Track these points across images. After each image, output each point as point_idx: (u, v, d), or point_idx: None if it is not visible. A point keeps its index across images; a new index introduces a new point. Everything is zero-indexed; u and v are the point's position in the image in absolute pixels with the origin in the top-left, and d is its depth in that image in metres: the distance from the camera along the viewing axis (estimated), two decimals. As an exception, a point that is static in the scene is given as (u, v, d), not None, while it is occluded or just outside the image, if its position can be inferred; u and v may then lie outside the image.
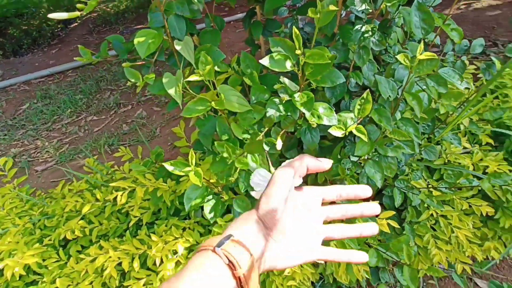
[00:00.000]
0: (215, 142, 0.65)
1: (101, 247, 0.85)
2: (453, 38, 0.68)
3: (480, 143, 1.13)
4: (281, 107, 0.73)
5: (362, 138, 0.70)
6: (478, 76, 1.64)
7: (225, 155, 0.62)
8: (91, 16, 5.32)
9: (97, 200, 0.96)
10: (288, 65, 0.55)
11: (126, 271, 0.81)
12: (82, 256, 0.84)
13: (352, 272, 0.86)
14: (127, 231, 0.90)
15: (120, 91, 3.61)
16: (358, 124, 0.64)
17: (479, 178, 0.98)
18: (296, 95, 0.60)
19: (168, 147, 2.68)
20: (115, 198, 0.87)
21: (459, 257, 0.99)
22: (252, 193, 0.65)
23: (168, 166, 0.58)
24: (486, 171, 0.96)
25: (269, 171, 0.59)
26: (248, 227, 0.37)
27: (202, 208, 1.02)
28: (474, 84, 1.22)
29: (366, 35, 0.67)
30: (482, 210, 0.99)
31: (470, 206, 1.02)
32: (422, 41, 0.59)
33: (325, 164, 0.41)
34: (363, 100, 0.60)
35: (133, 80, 0.64)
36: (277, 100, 0.74)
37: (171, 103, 1.17)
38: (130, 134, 2.97)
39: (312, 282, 1.02)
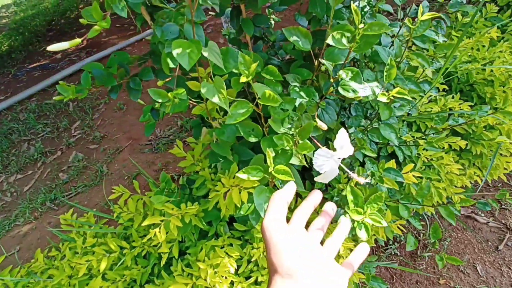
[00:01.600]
0: (274, 137, 0.62)
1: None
2: None
3: (437, 90, 1.31)
4: (302, 93, 0.74)
5: (382, 104, 0.75)
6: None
7: (286, 145, 0.60)
8: (-31, 64, 4.50)
9: (108, 252, 0.83)
10: (345, 41, 0.56)
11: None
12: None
13: (390, 230, 0.92)
14: (161, 271, 0.80)
15: (41, 138, 3.15)
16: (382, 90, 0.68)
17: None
18: (341, 72, 0.61)
19: (126, 181, 2.44)
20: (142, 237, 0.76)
21: (454, 190, 1.14)
22: (318, 178, 0.64)
23: (242, 175, 0.54)
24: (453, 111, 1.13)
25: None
26: None
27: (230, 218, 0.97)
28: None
29: (365, 9, 0.72)
30: (459, 145, 1.15)
31: (449, 146, 1.18)
32: (421, 6, 0.66)
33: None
34: (388, 67, 0.64)
35: (160, 100, 0.57)
36: (297, 88, 0.75)
37: (147, 128, 1.08)
38: (72, 181, 2.62)
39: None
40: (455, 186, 1.18)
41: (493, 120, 1.16)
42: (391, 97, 0.62)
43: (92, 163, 2.72)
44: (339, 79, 0.66)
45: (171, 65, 0.55)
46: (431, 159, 1.14)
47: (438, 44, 0.78)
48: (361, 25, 0.52)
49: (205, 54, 0.55)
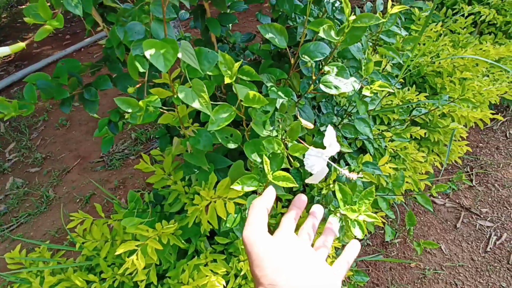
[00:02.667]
0: (264, 141, 0.58)
1: None
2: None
3: (400, 83, 1.38)
4: (280, 93, 0.71)
5: (358, 99, 0.75)
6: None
7: (277, 149, 0.56)
8: None
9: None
10: (333, 34, 0.54)
11: None
12: None
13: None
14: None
15: (-35, 166, 2.76)
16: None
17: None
18: (326, 67, 0.59)
19: (78, 205, 2.21)
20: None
21: (419, 177, 1.20)
22: (309, 180, 0.61)
23: (237, 187, 0.49)
24: (411, 103, 1.19)
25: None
26: None
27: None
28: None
29: (336, 4, 0.71)
30: (419, 134, 1.22)
31: (410, 135, 1.24)
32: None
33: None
34: (365, 61, 0.64)
35: (130, 110, 0.50)
36: (274, 88, 0.71)
37: (104, 144, 0.98)
38: (12, 212, 2.32)
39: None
40: (420, 173, 1.25)
41: (446, 108, 1.25)
42: (375, 91, 0.61)
43: (34, 188, 2.42)
44: (320, 76, 0.63)
45: (141, 69, 0.47)
46: (397, 150, 1.19)
47: (405, 37, 0.81)
48: (351, 17, 0.50)
49: (179, 55, 0.49)
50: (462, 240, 1.60)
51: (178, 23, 2.91)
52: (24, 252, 0.94)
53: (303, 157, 0.57)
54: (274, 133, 0.64)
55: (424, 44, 1.46)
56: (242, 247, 0.78)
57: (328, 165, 0.56)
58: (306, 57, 0.64)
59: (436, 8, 1.74)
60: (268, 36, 0.63)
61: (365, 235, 1.62)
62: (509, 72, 1.63)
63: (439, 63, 1.32)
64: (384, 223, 1.34)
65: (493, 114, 1.32)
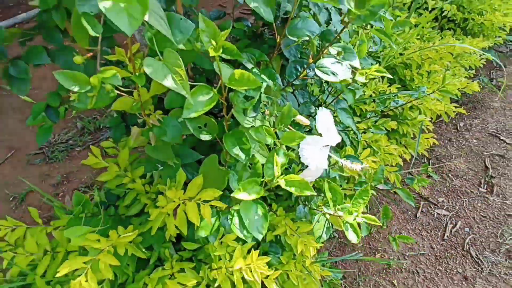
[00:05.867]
0: (251, 130, 0.47)
1: None
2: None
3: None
4: (263, 76, 0.61)
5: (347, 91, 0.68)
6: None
7: (268, 139, 0.46)
8: None
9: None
10: (352, 5, 0.44)
11: None
12: None
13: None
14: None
15: None
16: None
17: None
18: (331, 49, 0.50)
19: (11, 205, 1.91)
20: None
21: (390, 169, 1.19)
22: (305, 175, 0.52)
23: (240, 194, 0.38)
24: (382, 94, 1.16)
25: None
26: None
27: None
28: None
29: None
30: (391, 126, 1.20)
31: (383, 128, 1.22)
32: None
33: None
34: (359, 42, 0.56)
35: (77, 89, 0.36)
36: (256, 70, 0.61)
37: (40, 134, 0.82)
38: None
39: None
40: (390, 166, 1.24)
41: (414, 101, 1.25)
42: (371, 76, 0.54)
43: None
44: (319, 58, 0.55)
45: (92, 33, 0.34)
46: (370, 142, 1.16)
47: (396, 21, 0.76)
48: None
49: (146, 18, 0.36)
50: (422, 229, 1.66)
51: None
52: None
53: (298, 147, 0.49)
54: (258, 123, 0.54)
55: (392, 37, 1.45)
56: (216, 253, 0.68)
57: (328, 158, 0.48)
58: (295, 34, 0.54)
59: (404, 4, 1.75)
60: (253, 4, 0.52)
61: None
62: (464, 66, 1.71)
63: (408, 55, 1.32)
64: None
65: (456, 107, 1.36)
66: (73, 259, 0.52)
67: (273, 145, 0.48)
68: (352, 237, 0.53)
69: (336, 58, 0.53)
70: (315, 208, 0.72)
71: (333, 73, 0.52)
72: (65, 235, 0.54)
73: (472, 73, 1.82)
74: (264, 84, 0.57)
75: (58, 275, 0.50)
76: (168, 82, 0.37)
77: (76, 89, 0.37)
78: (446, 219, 1.69)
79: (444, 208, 1.75)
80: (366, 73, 0.56)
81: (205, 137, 0.57)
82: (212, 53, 0.40)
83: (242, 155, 0.50)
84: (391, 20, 0.81)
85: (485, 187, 1.84)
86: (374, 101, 1.15)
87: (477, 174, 1.91)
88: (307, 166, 0.49)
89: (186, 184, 0.66)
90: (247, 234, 0.52)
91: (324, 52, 0.52)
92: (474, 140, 2.14)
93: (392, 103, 1.10)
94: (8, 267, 0.66)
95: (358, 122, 1.15)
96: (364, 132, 1.17)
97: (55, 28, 0.60)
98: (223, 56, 0.53)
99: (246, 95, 0.54)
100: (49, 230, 0.68)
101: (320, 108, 0.48)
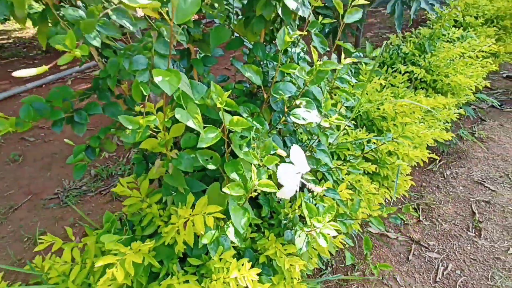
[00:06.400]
0: (242, 153, 0.66)
1: None
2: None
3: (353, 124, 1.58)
4: (255, 122, 0.82)
5: (321, 132, 0.88)
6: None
7: (254, 160, 0.65)
8: None
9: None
10: (304, 74, 0.67)
11: None
12: None
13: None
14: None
15: None
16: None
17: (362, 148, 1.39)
18: (297, 101, 0.72)
19: (25, 244, 2.04)
20: None
21: (373, 207, 1.35)
22: (280, 194, 0.70)
23: (227, 190, 0.56)
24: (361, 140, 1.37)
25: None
26: None
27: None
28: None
29: (300, 55, 0.87)
30: (371, 169, 1.39)
31: (364, 171, 1.40)
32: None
33: None
34: (324, 99, 0.79)
35: (130, 127, 0.57)
36: (249, 118, 0.83)
37: (76, 171, 1.01)
38: None
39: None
40: (373, 205, 1.39)
41: (391, 146, 1.45)
42: (333, 122, 0.75)
43: (-26, 228, 2.20)
44: (289, 111, 0.76)
45: (145, 93, 0.56)
46: (353, 182, 1.34)
47: (354, 84, 0.99)
48: (318, 62, 0.65)
49: (159, 82, 0.59)
50: (414, 271, 1.73)
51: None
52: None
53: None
54: (250, 154, 0.74)
55: (371, 94, 1.72)
56: (216, 265, 0.82)
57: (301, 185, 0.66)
58: (277, 94, 0.77)
59: (378, 66, 2.06)
60: (247, 74, 0.76)
61: (326, 268, 1.69)
62: (440, 120, 1.94)
63: (383, 109, 1.56)
64: (343, 249, 1.43)
65: (429, 153, 1.55)
66: (107, 256, 0.68)
67: (257, 166, 0.67)
68: (322, 242, 0.69)
69: (305, 108, 0.74)
70: (300, 229, 0.88)
71: (303, 118, 0.73)
72: (101, 239, 0.70)
73: (448, 126, 2.06)
74: (254, 128, 0.78)
75: (97, 265, 0.65)
76: (191, 123, 0.58)
77: (130, 127, 0.58)
78: (438, 262, 1.76)
79: (435, 251, 1.82)
80: (329, 120, 0.77)
81: (211, 166, 0.77)
82: (218, 105, 0.62)
83: (237, 177, 0.69)
84: (356, 82, 1.05)
85: (473, 231, 1.93)
86: (349, 148, 1.35)
87: (465, 218, 2.02)
88: (282, 186, 0.67)
89: (193, 206, 0.83)
90: (239, 239, 0.68)
91: (293, 104, 0.74)
92: (461, 187, 2.28)
93: (366, 147, 1.30)
94: (46, 274, 0.80)
95: (341, 165, 1.34)
96: (347, 174, 1.35)
97: (106, 89, 0.84)
98: (226, 108, 0.75)
99: (241, 135, 0.75)
100: (82, 243, 0.84)
101: (293, 145, 0.68)
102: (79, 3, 0.67)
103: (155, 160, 1.02)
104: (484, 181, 2.31)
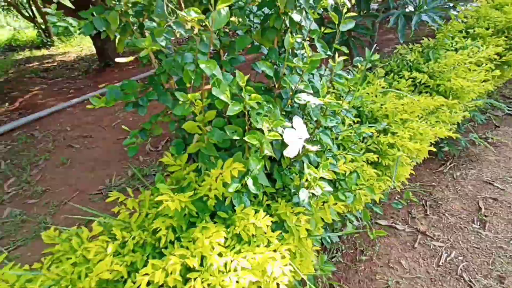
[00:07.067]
0: (256, 114, 0.93)
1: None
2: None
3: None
4: (269, 104, 1.09)
5: (321, 117, 1.13)
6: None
7: (265, 124, 0.91)
8: None
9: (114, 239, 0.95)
10: (301, 63, 0.94)
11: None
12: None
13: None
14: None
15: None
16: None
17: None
18: (300, 85, 0.98)
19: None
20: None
21: (376, 190, 1.54)
22: (286, 152, 0.95)
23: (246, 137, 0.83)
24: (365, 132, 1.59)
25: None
26: None
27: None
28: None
29: (304, 54, 1.15)
30: (374, 158, 1.60)
31: (367, 160, 1.61)
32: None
33: None
34: (322, 85, 1.04)
35: (182, 99, 0.85)
36: (265, 102, 1.10)
37: (131, 150, 1.30)
38: (9, 237, 2.44)
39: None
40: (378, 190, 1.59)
41: (392, 140, 1.66)
42: (327, 102, 1.00)
43: (32, 216, 2.57)
44: (294, 95, 1.02)
45: (192, 77, 0.85)
46: (356, 168, 1.55)
47: (349, 79, 1.24)
48: (310, 53, 0.92)
49: (215, 72, 0.87)
50: (419, 257, 1.87)
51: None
52: (58, 232, 1.17)
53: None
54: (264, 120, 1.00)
55: (376, 96, 1.94)
56: (239, 214, 1.06)
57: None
58: (286, 83, 1.04)
59: (386, 74, 2.29)
60: (262, 68, 1.03)
61: (337, 252, 1.86)
62: (444, 121, 2.12)
63: (385, 108, 1.78)
64: (345, 217, 1.59)
65: (428, 146, 1.74)
66: (163, 196, 0.95)
67: (269, 130, 0.93)
68: (318, 190, 0.92)
69: (306, 93, 1.00)
70: (306, 185, 1.10)
71: (304, 100, 0.99)
72: (156, 185, 0.97)
73: (454, 127, 2.22)
74: (267, 106, 1.04)
75: (156, 199, 0.92)
76: (223, 97, 0.85)
77: (182, 99, 0.86)
78: (442, 250, 1.89)
79: (440, 240, 1.95)
80: (323, 99, 1.02)
81: (235, 136, 1.03)
82: (242, 85, 0.89)
83: (256, 143, 0.95)
84: (351, 77, 1.30)
85: (478, 224, 2.04)
86: (362, 140, 1.57)
87: (471, 213, 2.13)
88: (287, 145, 0.92)
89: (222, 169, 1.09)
90: (257, 188, 0.93)
91: (295, 88, 1.00)
92: (470, 187, 2.39)
93: (364, 135, 1.51)
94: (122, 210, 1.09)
95: (345, 153, 1.56)
96: (352, 161, 1.56)
97: (159, 83, 1.14)
98: (247, 93, 1.02)
99: (258, 112, 1.02)
100: (142, 195, 1.12)
101: (295, 116, 0.94)
102: (147, 21, 0.98)
103: (191, 142, 1.30)
104: (493, 181, 2.41)
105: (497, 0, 3.70)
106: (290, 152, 0.94)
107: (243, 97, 0.93)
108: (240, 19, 1.11)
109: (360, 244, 1.95)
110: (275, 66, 1.27)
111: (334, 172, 1.25)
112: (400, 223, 2.12)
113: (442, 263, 1.82)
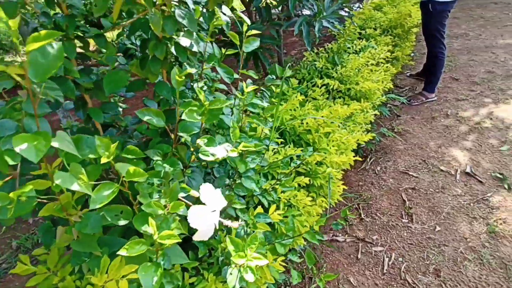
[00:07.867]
0: (143, 206, 0.61)
1: None
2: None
3: (277, 143, 1.62)
4: (166, 165, 0.79)
5: (237, 160, 0.88)
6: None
7: (158, 210, 0.61)
8: None
9: None
10: (196, 116, 0.65)
11: None
12: None
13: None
14: None
15: None
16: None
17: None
18: (198, 140, 0.70)
19: None
20: None
21: (312, 219, 1.37)
22: (196, 237, 0.66)
23: (123, 252, 0.50)
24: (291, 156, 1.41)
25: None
26: None
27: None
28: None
29: (204, 88, 0.87)
30: (305, 182, 1.43)
31: (299, 185, 1.43)
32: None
33: None
34: (232, 129, 0.79)
35: None
36: (159, 161, 0.79)
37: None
38: None
39: None
40: (314, 216, 1.42)
41: (319, 157, 1.51)
42: (240, 151, 0.74)
43: None
44: (198, 148, 0.74)
45: (11, 162, 0.49)
46: (289, 199, 1.35)
47: (264, 108, 1.02)
48: (206, 102, 0.64)
49: (56, 144, 0.53)
50: (364, 269, 1.80)
51: (67, 113, 2.84)
52: None
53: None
54: (162, 201, 0.70)
55: (294, 110, 1.80)
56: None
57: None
58: (182, 133, 0.75)
59: (299, 82, 2.19)
60: (146, 118, 0.72)
61: (285, 280, 1.67)
62: (360, 123, 2.10)
63: (307, 123, 1.63)
64: (289, 269, 1.42)
65: (354, 156, 1.65)
66: None
67: (165, 215, 0.63)
68: (249, 277, 0.66)
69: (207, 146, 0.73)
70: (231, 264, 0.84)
71: (212, 154, 0.72)
72: None
73: (368, 127, 2.25)
74: (162, 171, 0.74)
75: None
76: (75, 187, 0.52)
77: None
78: (382, 254, 1.86)
79: (379, 244, 1.93)
80: (237, 149, 0.77)
81: (122, 222, 0.70)
82: (103, 160, 0.57)
83: (150, 230, 0.64)
84: (268, 105, 1.08)
85: (406, 218, 2.09)
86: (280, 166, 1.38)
87: (398, 208, 2.19)
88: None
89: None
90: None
91: (197, 144, 0.73)
92: (391, 180, 2.48)
93: (292, 164, 1.34)
94: None
95: (275, 184, 1.36)
96: (283, 192, 1.36)
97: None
98: (129, 156, 0.70)
99: (149, 182, 0.70)
100: None
101: (203, 184, 0.65)
102: None
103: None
104: (408, 170, 2.55)
105: (375, 2, 4.08)
106: (202, 236, 0.66)
107: (117, 170, 0.61)
108: (104, 49, 0.78)
109: (307, 271, 1.79)
110: (170, 104, 0.97)
111: (268, 223, 1.02)
112: (340, 234, 2.04)
113: (386, 269, 1.78)
